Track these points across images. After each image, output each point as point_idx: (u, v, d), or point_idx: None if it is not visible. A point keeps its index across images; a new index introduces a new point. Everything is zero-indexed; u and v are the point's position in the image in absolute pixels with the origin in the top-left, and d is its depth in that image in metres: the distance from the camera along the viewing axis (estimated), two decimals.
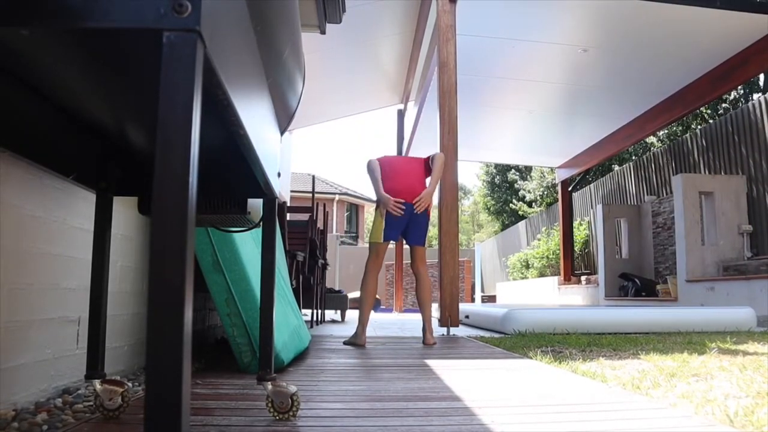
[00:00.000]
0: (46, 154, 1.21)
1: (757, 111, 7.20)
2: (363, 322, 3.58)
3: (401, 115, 10.33)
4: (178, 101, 0.54)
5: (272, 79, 1.12)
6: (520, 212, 17.99)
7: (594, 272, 10.54)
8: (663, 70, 6.49)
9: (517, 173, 18.90)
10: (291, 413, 1.39)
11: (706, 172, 8.11)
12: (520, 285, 13.46)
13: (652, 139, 12.80)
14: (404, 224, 3.66)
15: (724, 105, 12.09)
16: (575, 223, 11.51)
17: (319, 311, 5.92)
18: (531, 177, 17.56)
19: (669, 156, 9.24)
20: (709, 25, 5.43)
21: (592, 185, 12.19)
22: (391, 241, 3.75)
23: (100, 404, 1.36)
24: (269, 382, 1.39)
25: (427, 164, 3.78)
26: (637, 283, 8.70)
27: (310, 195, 6.39)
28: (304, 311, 4.63)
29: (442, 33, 4.78)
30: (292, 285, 3.93)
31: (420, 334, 3.80)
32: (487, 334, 4.44)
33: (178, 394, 0.52)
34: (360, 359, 2.80)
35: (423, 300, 3.70)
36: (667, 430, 1.31)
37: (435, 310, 4.43)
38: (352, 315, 6.17)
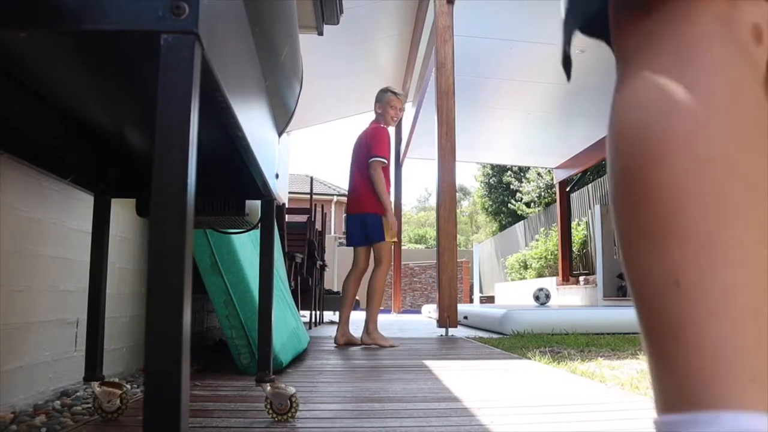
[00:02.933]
0: (45, 157, 1.21)
1: None
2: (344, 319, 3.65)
3: None
4: (176, 103, 0.54)
5: (270, 80, 1.12)
6: (518, 212, 18.00)
7: (592, 272, 10.55)
8: None
9: (513, 175, 18.90)
10: (290, 415, 1.39)
11: None
12: (518, 285, 13.47)
13: None
14: (354, 232, 3.65)
15: None
16: (573, 224, 11.53)
17: (318, 312, 5.92)
18: (527, 179, 17.56)
19: None
20: None
21: (590, 185, 12.21)
22: (356, 246, 3.71)
23: (98, 406, 1.36)
24: (268, 384, 1.39)
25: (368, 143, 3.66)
26: None
27: (309, 196, 6.40)
28: (302, 312, 4.63)
29: (440, 34, 4.79)
30: (290, 286, 3.93)
31: (419, 335, 3.80)
32: (485, 335, 4.45)
33: (177, 396, 0.52)
34: (358, 360, 2.80)
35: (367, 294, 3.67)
36: None
37: (434, 310, 4.43)
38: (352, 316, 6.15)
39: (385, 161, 3.60)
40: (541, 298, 7.66)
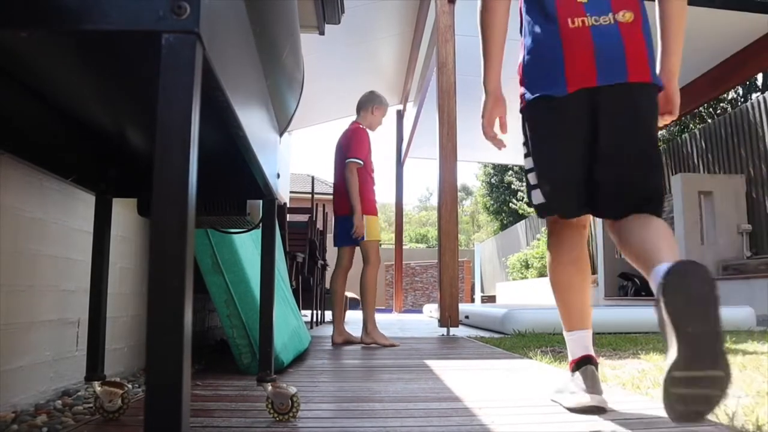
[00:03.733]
0: (46, 157, 1.21)
1: (756, 111, 7.20)
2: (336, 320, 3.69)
3: (400, 115, 10.33)
4: (177, 103, 0.54)
5: (271, 80, 1.12)
6: (520, 211, 17.98)
7: (593, 272, 10.55)
8: None
9: (514, 174, 18.89)
10: (291, 414, 1.39)
11: (705, 171, 8.12)
12: (519, 285, 13.46)
13: None
14: (340, 233, 3.67)
15: (722, 105, 12.10)
16: None
17: (319, 312, 5.92)
18: None
19: (668, 156, 9.25)
20: (707, 24, 5.43)
21: None
22: (347, 245, 3.73)
23: (99, 406, 1.36)
24: (269, 383, 1.39)
25: (347, 144, 3.69)
26: (637, 282, 8.70)
27: (310, 196, 6.40)
28: (303, 312, 4.63)
29: (441, 34, 4.78)
30: (291, 286, 3.93)
31: (420, 334, 3.80)
32: (487, 335, 4.45)
33: (178, 396, 0.52)
34: (360, 360, 2.80)
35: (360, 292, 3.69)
36: (667, 430, 1.31)
37: (435, 310, 4.43)
38: (351, 316, 6.17)
39: (361, 162, 3.61)
40: None
